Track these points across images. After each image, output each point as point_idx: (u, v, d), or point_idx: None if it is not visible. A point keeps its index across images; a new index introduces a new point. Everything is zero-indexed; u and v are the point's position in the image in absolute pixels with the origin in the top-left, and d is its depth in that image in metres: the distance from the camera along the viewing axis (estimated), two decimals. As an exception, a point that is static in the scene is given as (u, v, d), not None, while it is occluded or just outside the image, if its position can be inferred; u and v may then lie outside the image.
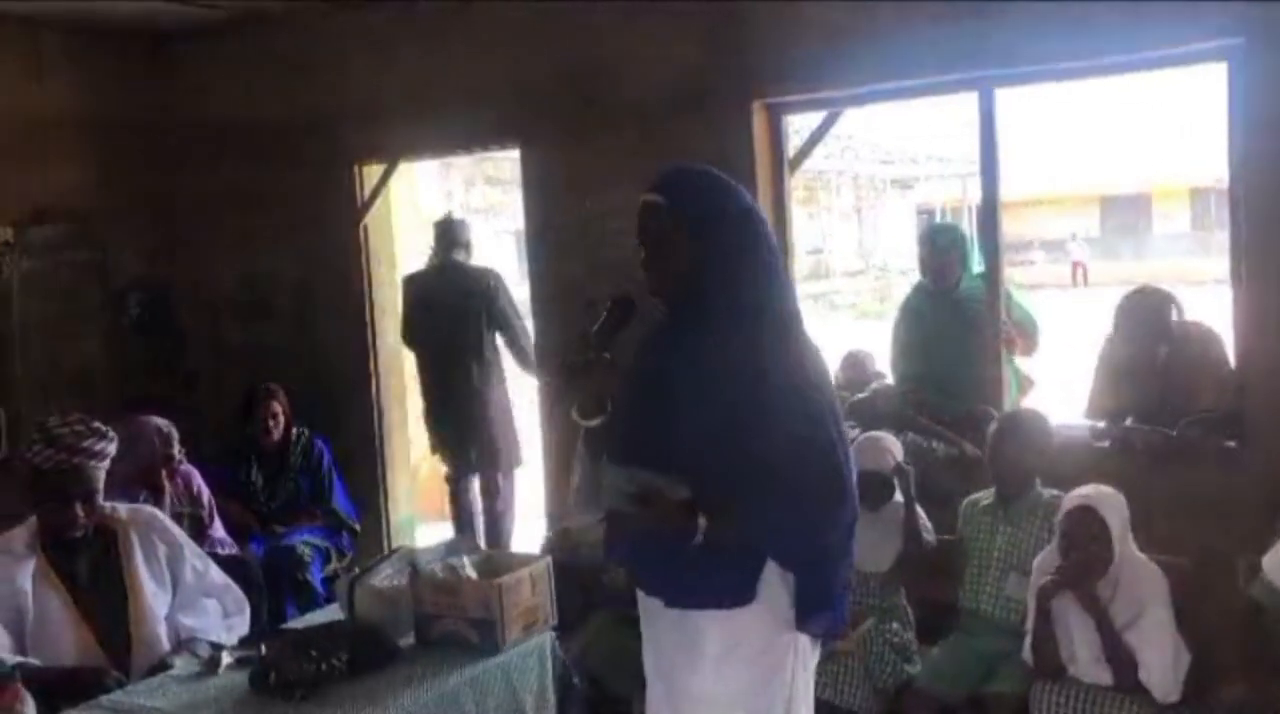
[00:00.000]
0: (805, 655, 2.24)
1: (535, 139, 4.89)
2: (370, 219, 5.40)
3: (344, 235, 5.36)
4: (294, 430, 4.93)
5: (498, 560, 2.88)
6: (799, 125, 4.75)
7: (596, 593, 3.90)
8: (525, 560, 2.89)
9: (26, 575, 2.88)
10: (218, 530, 4.41)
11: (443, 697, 2.51)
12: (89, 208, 5.33)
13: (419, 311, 5.19)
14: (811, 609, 2.17)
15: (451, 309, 5.10)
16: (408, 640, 2.73)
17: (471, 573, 2.79)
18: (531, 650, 2.74)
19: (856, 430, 3.73)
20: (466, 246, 5.25)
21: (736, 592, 2.14)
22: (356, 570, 2.93)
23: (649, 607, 2.29)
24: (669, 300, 2.25)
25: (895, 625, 3.50)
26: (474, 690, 2.57)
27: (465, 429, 5.21)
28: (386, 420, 5.51)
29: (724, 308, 2.16)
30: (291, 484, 4.89)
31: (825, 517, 2.13)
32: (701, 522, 2.09)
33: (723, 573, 2.14)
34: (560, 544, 4.07)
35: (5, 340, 5.00)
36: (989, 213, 4.37)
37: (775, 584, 2.16)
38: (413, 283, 5.27)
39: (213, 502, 4.45)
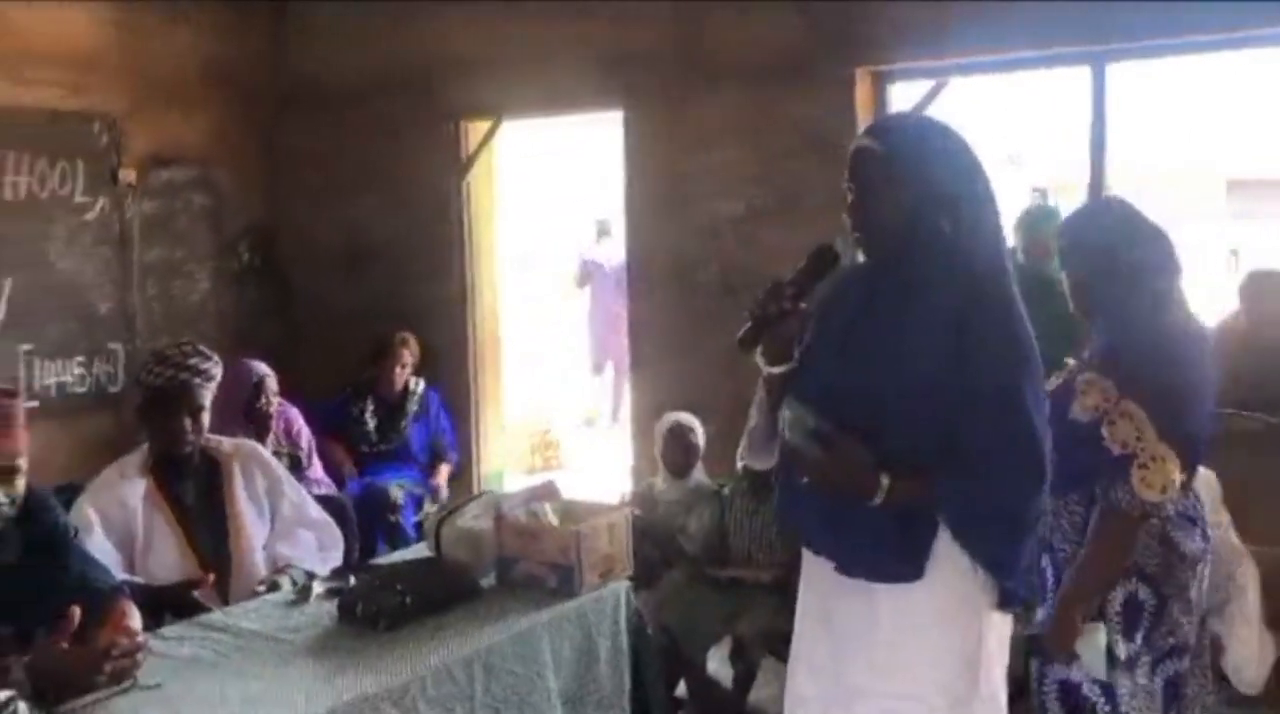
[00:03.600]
0: (996, 633, 2.12)
1: (638, 102, 4.93)
2: (472, 176, 5.51)
3: (446, 191, 5.47)
4: (414, 380, 5.12)
5: (578, 509, 2.96)
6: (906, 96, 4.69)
7: (673, 551, 3.98)
8: (605, 511, 2.96)
9: (137, 499, 3.05)
10: (316, 471, 4.60)
11: (519, 635, 2.58)
12: (207, 155, 5.54)
13: None
14: (1005, 587, 2.06)
15: None
16: (489, 580, 2.82)
17: (553, 520, 2.87)
18: (607, 598, 2.81)
19: None
20: None
21: (907, 565, 2.04)
22: (445, 511, 3.03)
23: (817, 570, 2.19)
24: (874, 252, 2.15)
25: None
26: (550, 632, 2.64)
27: None
28: (481, 375, 5.64)
29: (932, 263, 2.06)
30: (403, 430, 5.09)
31: (1020, 494, 2.02)
32: (885, 481, 1.99)
33: (894, 543, 2.04)
34: (641, 503, 4.15)
35: (126, 279, 5.23)
36: (1096, 193, 4.28)
37: (952, 559, 2.04)
38: None
39: (312, 443, 4.64)
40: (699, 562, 3.91)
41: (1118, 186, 4.33)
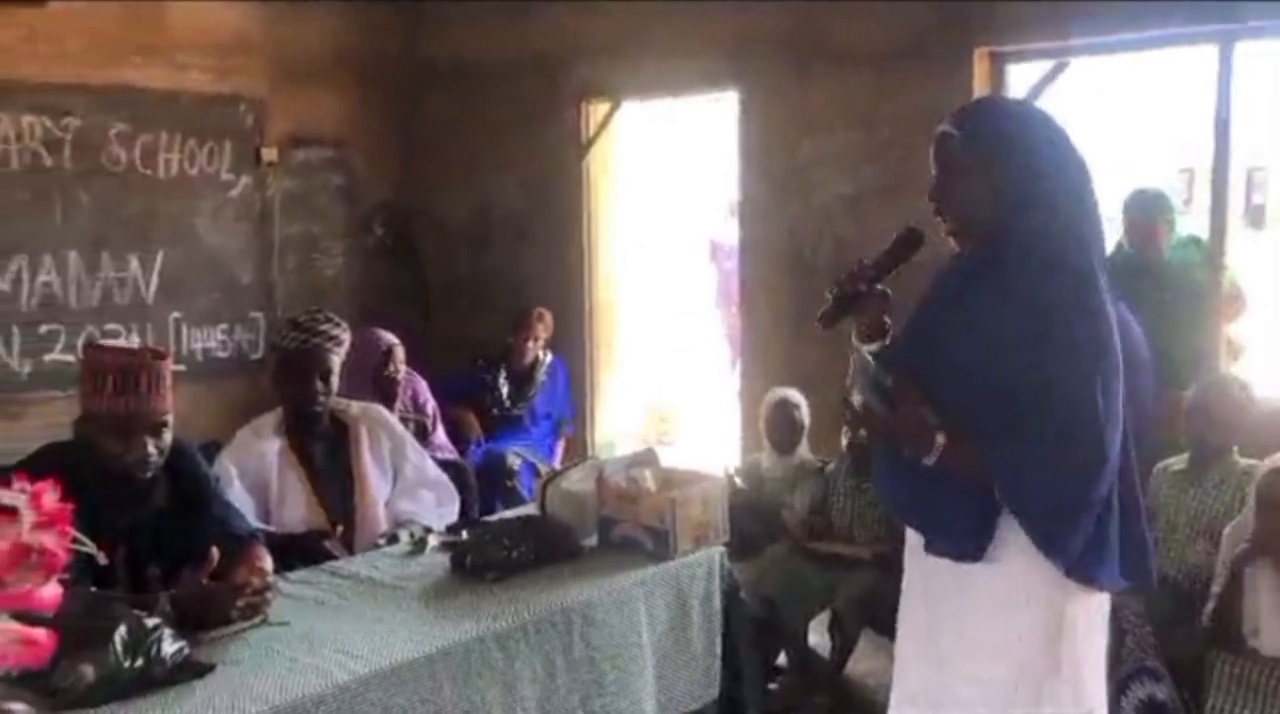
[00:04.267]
0: (1085, 615, 2.13)
1: (753, 84, 5.00)
2: (593, 156, 5.66)
3: (568, 170, 5.64)
4: (544, 352, 5.39)
5: (676, 476, 3.08)
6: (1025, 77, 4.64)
7: (776, 527, 4.08)
8: (701, 479, 3.07)
9: (272, 455, 3.29)
10: (440, 437, 4.83)
11: (616, 592, 2.72)
12: (344, 135, 5.83)
13: None
14: (1063, 568, 2.06)
15: None
16: (590, 540, 2.98)
17: (651, 485, 2.99)
18: (700, 562, 2.93)
19: None
20: None
21: (968, 544, 2.07)
22: (552, 474, 3.20)
23: (916, 544, 2.21)
24: (960, 239, 2.16)
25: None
26: (644, 591, 2.78)
27: None
28: (598, 348, 5.82)
29: (1018, 254, 2.04)
30: (530, 400, 5.35)
31: (1074, 478, 2.01)
32: (940, 439, 2.03)
33: (960, 521, 2.08)
34: (747, 478, 4.26)
35: (267, 252, 5.56)
36: (1220, 177, 4.20)
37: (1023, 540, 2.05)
38: None
39: (437, 412, 4.86)
40: (801, 537, 3.99)
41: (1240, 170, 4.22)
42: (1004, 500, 2.06)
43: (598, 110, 5.62)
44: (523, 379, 5.38)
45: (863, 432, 3.05)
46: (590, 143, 5.64)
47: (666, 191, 5.67)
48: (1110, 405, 2.04)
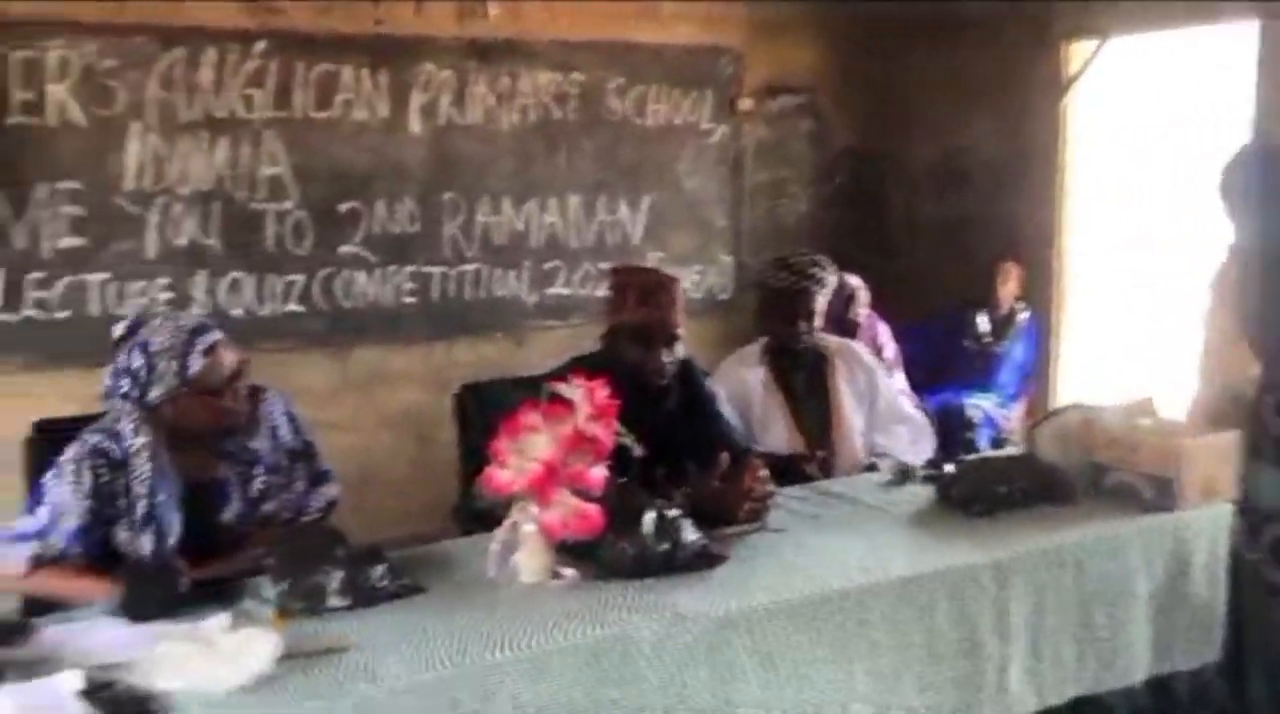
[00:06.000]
0: None
1: None
2: (1071, 99, 5.38)
3: (1045, 114, 5.41)
4: (1019, 305, 5.33)
5: (1180, 427, 2.91)
6: None
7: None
8: (1208, 432, 2.87)
9: (756, 382, 3.49)
10: (899, 382, 4.86)
11: (1110, 539, 2.63)
12: (814, 83, 5.97)
13: None
14: None
15: None
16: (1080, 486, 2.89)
17: (1153, 432, 2.85)
18: (1206, 518, 2.75)
19: None
20: None
21: None
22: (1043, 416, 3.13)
23: None
24: None
25: None
26: (1142, 540, 2.66)
27: None
28: (1065, 306, 5.56)
29: None
30: (1005, 351, 5.32)
31: None
32: None
33: None
34: None
35: (738, 197, 5.84)
36: None
37: None
38: None
39: (898, 356, 4.91)
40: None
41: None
42: None
43: (1080, 49, 5.33)
44: (1001, 323, 5.35)
45: None
46: (1070, 84, 5.36)
47: (1159, 136, 5.23)
48: None
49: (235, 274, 4.65)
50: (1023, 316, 5.36)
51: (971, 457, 3.31)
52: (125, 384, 2.40)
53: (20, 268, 4.24)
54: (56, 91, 4.24)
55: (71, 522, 2.35)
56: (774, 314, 3.50)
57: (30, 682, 1.82)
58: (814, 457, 3.30)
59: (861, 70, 6.03)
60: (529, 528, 2.28)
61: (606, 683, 2.06)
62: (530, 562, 2.29)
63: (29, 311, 4.26)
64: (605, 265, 5.41)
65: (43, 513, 2.36)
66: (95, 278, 4.37)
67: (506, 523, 2.30)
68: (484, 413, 3.34)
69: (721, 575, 2.34)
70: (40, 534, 2.35)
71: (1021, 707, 2.52)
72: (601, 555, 2.31)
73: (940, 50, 5.75)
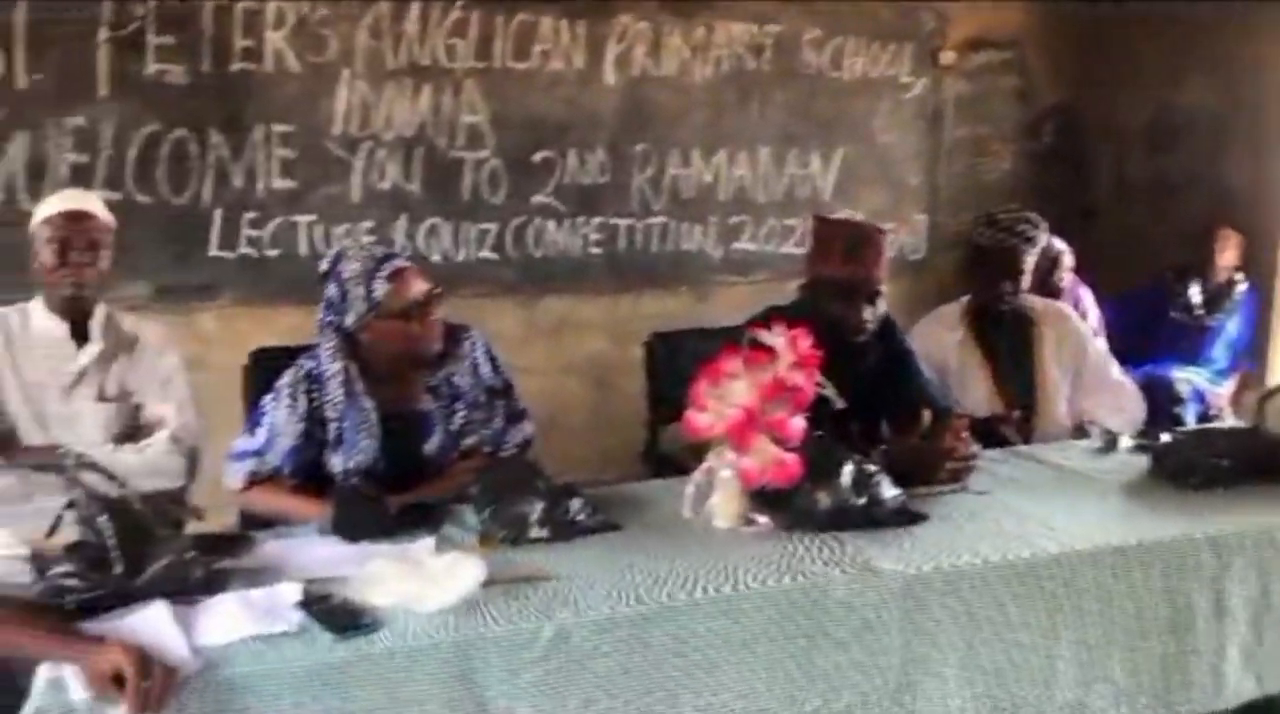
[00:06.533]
0: None
1: None
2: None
3: (1271, 65, 5.03)
4: (1239, 275, 4.96)
5: None
6: None
7: None
8: None
9: (954, 341, 3.38)
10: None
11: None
12: (1019, 38, 5.69)
13: None
14: None
15: None
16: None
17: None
18: None
19: None
20: None
21: None
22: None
23: None
24: None
25: None
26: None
27: None
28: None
29: None
30: (1218, 325, 4.96)
31: None
32: None
33: None
34: None
35: (935, 154, 5.64)
36: None
37: None
38: None
39: (1101, 322, 4.68)
40: None
41: None
42: None
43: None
44: (1216, 295, 4.96)
45: None
46: (1303, 35, 4.96)
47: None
48: None
49: (433, 220, 4.77)
50: (1240, 288, 4.97)
51: (1187, 428, 3.12)
52: (328, 313, 2.49)
53: (238, 207, 4.45)
54: (274, 39, 4.41)
55: (286, 442, 2.47)
56: (979, 273, 3.38)
57: (252, 590, 1.92)
58: (1011, 418, 3.17)
59: (1069, 23, 5.73)
60: (725, 473, 2.26)
61: (796, 634, 2.04)
62: (725, 506, 2.28)
63: (244, 250, 4.48)
64: (792, 222, 5.34)
65: (260, 433, 2.49)
66: (304, 219, 4.55)
67: (703, 466, 2.29)
68: (673, 361, 3.35)
69: (920, 534, 2.27)
70: (258, 452, 2.47)
71: (1237, 695, 2.37)
72: (796, 505, 2.27)
73: (1157, 3, 5.40)
